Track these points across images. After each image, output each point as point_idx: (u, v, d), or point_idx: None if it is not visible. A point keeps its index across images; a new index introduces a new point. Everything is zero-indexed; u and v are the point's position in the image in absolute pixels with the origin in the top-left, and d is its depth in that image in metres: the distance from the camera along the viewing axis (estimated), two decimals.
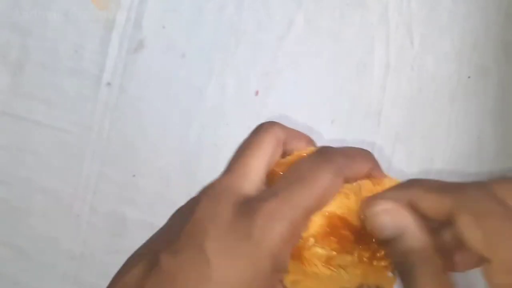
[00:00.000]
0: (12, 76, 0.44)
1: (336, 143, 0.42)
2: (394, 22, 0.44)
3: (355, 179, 0.22)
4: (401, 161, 0.42)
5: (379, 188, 0.22)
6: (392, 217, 0.21)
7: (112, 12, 0.44)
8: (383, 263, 0.21)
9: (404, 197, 0.21)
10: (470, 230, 0.19)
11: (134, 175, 0.42)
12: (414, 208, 0.21)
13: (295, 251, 0.21)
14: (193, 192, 0.45)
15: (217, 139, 0.42)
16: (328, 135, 0.42)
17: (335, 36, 0.44)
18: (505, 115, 0.42)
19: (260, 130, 0.24)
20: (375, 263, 0.21)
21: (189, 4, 0.44)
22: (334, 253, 0.21)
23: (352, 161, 0.22)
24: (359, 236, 0.21)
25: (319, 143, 0.42)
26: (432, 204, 0.21)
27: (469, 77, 0.43)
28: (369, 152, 0.24)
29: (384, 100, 0.43)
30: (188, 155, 0.43)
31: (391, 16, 0.44)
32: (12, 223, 0.42)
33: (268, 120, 0.24)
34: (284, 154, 0.24)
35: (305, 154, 0.23)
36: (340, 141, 0.42)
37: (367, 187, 0.22)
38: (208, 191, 0.22)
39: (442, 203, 0.21)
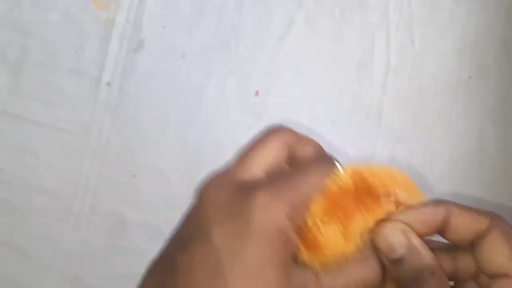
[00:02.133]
0: (12, 76, 0.44)
1: (336, 143, 0.42)
2: (394, 22, 0.44)
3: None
4: (401, 161, 0.42)
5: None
6: (406, 237, 0.22)
7: (112, 12, 0.44)
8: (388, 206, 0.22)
9: (439, 213, 0.22)
10: (500, 246, 0.20)
11: (134, 175, 0.42)
12: (443, 226, 0.22)
13: (309, 241, 0.21)
14: (193, 192, 0.45)
15: (217, 139, 0.42)
16: (328, 135, 0.42)
17: (335, 36, 0.44)
18: (505, 115, 0.42)
19: (270, 131, 0.24)
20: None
21: (189, 4, 0.44)
22: (344, 224, 0.21)
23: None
24: (358, 200, 0.22)
25: (320, 143, 0.42)
26: (468, 221, 0.22)
27: (469, 77, 0.43)
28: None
29: (385, 100, 0.43)
30: (188, 155, 0.43)
31: (391, 16, 0.44)
32: (12, 223, 0.42)
33: (278, 123, 0.25)
34: (292, 159, 0.24)
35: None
36: (340, 141, 0.42)
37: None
38: (212, 181, 0.22)
39: (479, 221, 0.22)
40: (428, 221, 0.22)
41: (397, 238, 0.21)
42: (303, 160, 0.23)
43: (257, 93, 0.43)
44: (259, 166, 0.22)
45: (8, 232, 0.43)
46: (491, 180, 0.41)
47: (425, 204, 0.23)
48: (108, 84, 0.44)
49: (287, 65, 0.43)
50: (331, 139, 0.42)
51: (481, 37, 0.43)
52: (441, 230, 0.22)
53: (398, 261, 0.21)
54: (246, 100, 0.43)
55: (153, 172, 0.42)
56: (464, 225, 0.22)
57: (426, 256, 0.21)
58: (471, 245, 0.22)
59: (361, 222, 0.22)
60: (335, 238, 0.21)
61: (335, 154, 0.43)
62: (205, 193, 0.21)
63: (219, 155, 0.42)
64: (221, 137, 0.42)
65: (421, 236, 0.22)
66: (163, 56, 0.44)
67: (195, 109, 0.43)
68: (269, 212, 0.19)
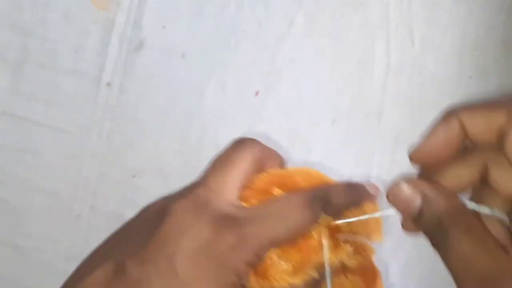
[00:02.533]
0: (12, 76, 0.44)
1: (336, 143, 0.42)
2: (394, 22, 0.44)
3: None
4: (401, 161, 0.42)
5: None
6: (414, 188, 0.21)
7: (112, 12, 0.44)
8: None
9: (453, 128, 0.21)
10: None
11: (134, 175, 0.42)
12: (463, 131, 0.21)
13: (260, 270, 0.21)
14: None
15: (217, 139, 0.42)
16: (328, 135, 0.42)
17: (335, 36, 0.44)
18: None
19: (239, 146, 0.24)
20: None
21: (189, 4, 0.44)
22: (297, 264, 0.21)
23: (334, 207, 0.23)
24: (318, 246, 0.22)
25: (320, 143, 0.42)
26: (482, 121, 0.21)
27: (469, 77, 0.43)
28: (358, 187, 0.25)
29: (385, 100, 0.43)
30: (188, 155, 0.43)
31: (391, 16, 0.44)
32: (12, 223, 0.42)
33: (246, 136, 0.25)
34: (258, 171, 0.24)
35: (276, 176, 0.24)
36: (340, 141, 0.42)
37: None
38: (181, 203, 0.22)
39: (495, 117, 0.20)
40: (448, 140, 0.21)
41: (411, 191, 0.21)
42: (286, 200, 0.22)
43: (257, 93, 0.43)
44: (233, 188, 0.22)
45: (8, 232, 0.43)
46: None
47: (437, 127, 0.23)
48: (108, 84, 0.44)
49: (287, 65, 0.43)
50: (331, 139, 0.42)
51: (481, 37, 0.43)
52: (463, 140, 0.21)
53: (419, 216, 0.21)
54: (246, 100, 0.43)
55: (153, 172, 0.42)
56: (480, 128, 0.21)
57: (440, 202, 0.20)
58: (500, 146, 0.20)
59: (314, 262, 0.22)
60: (285, 273, 0.21)
61: (334, 154, 0.43)
62: (177, 216, 0.21)
63: None
64: (221, 137, 0.42)
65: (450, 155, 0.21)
66: (163, 56, 0.44)
67: (195, 109, 0.43)
68: (234, 256, 0.19)
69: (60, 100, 0.43)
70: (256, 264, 0.21)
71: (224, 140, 0.42)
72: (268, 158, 0.25)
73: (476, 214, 0.21)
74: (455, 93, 0.43)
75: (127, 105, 0.43)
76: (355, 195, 0.24)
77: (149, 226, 0.22)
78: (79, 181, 0.43)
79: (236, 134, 0.42)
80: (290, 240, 0.22)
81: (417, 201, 0.21)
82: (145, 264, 0.20)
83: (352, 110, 0.43)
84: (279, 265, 0.21)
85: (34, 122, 0.43)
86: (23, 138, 0.43)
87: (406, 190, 0.21)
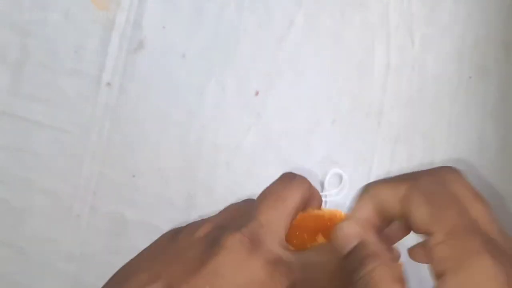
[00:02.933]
0: (12, 76, 0.44)
1: (336, 143, 0.42)
2: (394, 22, 0.44)
3: None
4: (401, 161, 0.42)
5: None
6: (352, 230, 0.23)
7: (112, 12, 0.44)
8: None
9: (367, 204, 0.23)
10: (420, 207, 0.21)
11: (134, 175, 0.42)
12: (379, 210, 0.23)
13: None
14: (193, 192, 0.45)
15: (217, 139, 0.42)
16: (328, 135, 0.42)
17: (335, 36, 0.44)
18: (506, 115, 0.42)
19: (292, 184, 0.24)
20: None
21: (189, 4, 0.44)
22: None
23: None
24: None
25: (320, 143, 0.42)
26: (389, 192, 0.22)
27: (470, 77, 0.43)
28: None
29: (385, 100, 0.43)
30: (188, 155, 0.43)
31: (391, 16, 0.44)
32: (12, 223, 0.42)
33: (296, 173, 0.26)
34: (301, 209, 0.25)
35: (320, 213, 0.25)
36: (340, 141, 0.42)
37: None
38: (235, 237, 0.22)
39: (398, 189, 0.22)
40: (366, 215, 0.23)
41: (351, 231, 0.22)
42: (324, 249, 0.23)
43: (257, 93, 0.43)
44: (282, 227, 0.23)
45: (8, 232, 0.43)
46: (491, 180, 0.41)
47: (358, 201, 0.24)
48: (108, 84, 0.44)
49: (287, 65, 0.43)
50: (331, 139, 0.42)
51: (481, 37, 0.43)
52: (378, 214, 0.23)
53: (349, 253, 0.22)
54: (246, 100, 0.43)
55: (153, 172, 0.42)
56: (388, 198, 0.22)
57: (370, 244, 0.22)
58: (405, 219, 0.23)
59: None
60: None
61: (334, 154, 0.43)
62: (229, 249, 0.21)
63: (219, 155, 0.42)
64: (221, 137, 0.42)
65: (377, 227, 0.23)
66: (163, 56, 0.44)
67: (195, 109, 0.43)
68: None
69: (60, 100, 0.43)
70: None
71: (224, 140, 0.42)
72: (312, 199, 0.26)
73: None
74: (455, 93, 0.43)
75: (127, 105, 0.43)
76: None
77: (201, 253, 0.22)
78: (79, 181, 0.43)
79: (236, 134, 0.43)
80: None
81: (353, 242, 0.22)
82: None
83: (352, 110, 0.43)
84: None
85: (34, 122, 0.43)
86: (23, 138, 0.43)
87: (345, 231, 0.23)
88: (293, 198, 0.24)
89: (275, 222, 0.23)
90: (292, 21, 0.44)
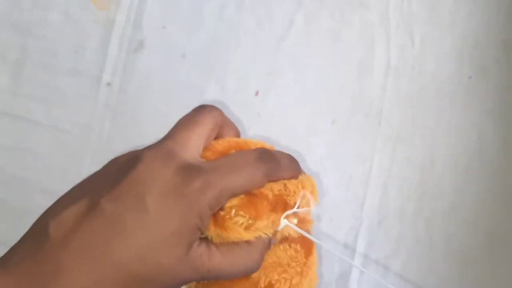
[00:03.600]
0: (12, 76, 0.44)
1: (336, 143, 0.42)
2: (394, 22, 0.44)
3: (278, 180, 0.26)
4: (402, 161, 0.42)
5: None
6: None
7: (112, 12, 0.44)
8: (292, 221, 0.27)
9: None
10: None
11: None
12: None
13: (219, 220, 0.24)
14: None
15: None
16: (328, 134, 0.42)
17: (335, 36, 0.44)
18: (505, 115, 0.42)
19: (203, 110, 0.27)
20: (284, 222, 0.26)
21: (189, 4, 0.44)
22: (251, 220, 0.25)
23: (281, 168, 0.25)
24: (274, 206, 0.25)
25: (320, 143, 0.42)
26: None
27: (469, 77, 0.43)
28: (296, 161, 0.27)
29: (385, 100, 0.43)
30: None
31: (391, 16, 0.44)
32: (12, 223, 0.42)
33: (211, 104, 0.28)
34: (216, 137, 0.28)
35: (236, 141, 0.27)
36: (340, 141, 0.42)
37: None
38: (151, 151, 0.24)
39: None
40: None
41: None
42: (244, 157, 0.25)
43: (257, 93, 0.43)
44: (196, 146, 0.25)
45: (8, 232, 0.42)
46: (491, 180, 0.41)
47: None
48: (108, 84, 0.44)
49: (287, 65, 0.43)
50: (331, 138, 0.42)
51: (481, 37, 0.43)
52: None
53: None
54: (246, 100, 0.43)
55: None
56: None
57: None
58: None
59: (266, 222, 0.25)
60: (239, 228, 0.25)
61: (334, 154, 0.43)
62: (147, 162, 0.23)
63: None
64: None
65: None
66: (163, 56, 0.44)
67: None
68: (198, 199, 0.22)
69: (60, 100, 0.43)
70: (217, 213, 0.24)
71: None
72: (226, 126, 0.28)
73: None
74: (455, 93, 0.43)
75: (127, 105, 0.43)
76: (297, 165, 0.27)
77: (121, 170, 0.24)
78: (79, 181, 0.43)
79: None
80: (247, 191, 0.25)
81: None
82: (118, 201, 0.22)
83: (352, 110, 0.43)
84: (235, 218, 0.24)
85: (34, 122, 0.43)
86: (23, 138, 0.43)
87: None
88: (206, 121, 0.26)
89: (189, 140, 0.25)
90: (292, 21, 0.44)
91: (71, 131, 0.43)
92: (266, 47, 0.43)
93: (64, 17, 0.44)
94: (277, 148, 0.27)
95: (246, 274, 0.25)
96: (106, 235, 0.21)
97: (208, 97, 0.43)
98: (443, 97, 0.43)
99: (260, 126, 0.43)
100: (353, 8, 0.44)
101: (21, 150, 0.43)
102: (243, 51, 0.43)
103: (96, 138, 0.43)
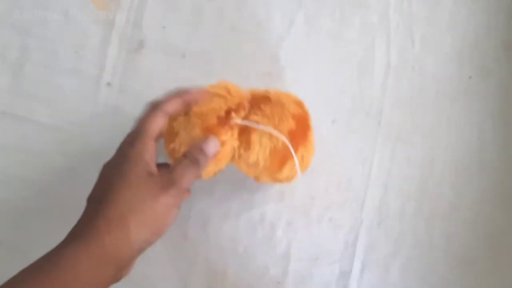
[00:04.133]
0: (12, 76, 0.44)
1: (336, 142, 0.42)
2: (394, 22, 0.44)
3: None
4: (402, 161, 0.42)
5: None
6: None
7: (112, 12, 0.44)
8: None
9: None
10: None
11: None
12: None
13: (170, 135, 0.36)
14: (193, 191, 0.45)
15: None
16: (328, 134, 0.42)
17: (335, 36, 0.44)
18: (506, 115, 0.42)
19: (149, 111, 0.35)
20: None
21: (189, 4, 0.44)
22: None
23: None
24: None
25: (320, 143, 0.42)
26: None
27: (470, 77, 0.43)
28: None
29: (385, 100, 0.43)
30: None
31: (391, 16, 0.44)
32: (12, 223, 0.42)
33: (152, 101, 0.36)
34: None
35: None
36: (340, 140, 0.42)
37: None
38: (124, 157, 0.34)
39: None
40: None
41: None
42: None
43: None
44: (151, 145, 0.34)
45: (8, 232, 0.43)
46: (491, 180, 0.41)
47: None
48: (108, 84, 0.44)
49: (287, 65, 0.43)
50: (331, 138, 0.42)
51: (481, 37, 0.43)
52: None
53: None
54: None
55: None
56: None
57: None
58: None
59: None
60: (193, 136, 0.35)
61: (335, 154, 0.43)
62: (123, 169, 0.34)
63: None
64: None
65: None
66: (163, 56, 0.44)
67: None
68: (181, 180, 0.33)
69: (60, 100, 0.43)
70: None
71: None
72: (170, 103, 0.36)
73: None
74: (455, 93, 0.43)
75: (127, 105, 0.43)
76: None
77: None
78: (79, 181, 0.43)
79: None
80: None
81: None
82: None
83: (352, 110, 0.43)
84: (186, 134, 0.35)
85: (34, 122, 0.43)
86: (23, 138, 0.43)
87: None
88: (150, 132, 0.34)
89: (146, 144, 0.34)
90: (292, 21, 0.44)
91: (71, 131, 0.43)
92: (266, 47, 0.43)
93: (64, 17, 0.44)
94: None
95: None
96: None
97: None
98: (443, 97, 0.43)
99: None
100: (353, 8, 0.44)
101: (21, 150, 0.43)
102: (243, 51, 0.43)
103: (96, 138, 0.43)
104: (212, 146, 0.34)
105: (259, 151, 0.36)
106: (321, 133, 0.42)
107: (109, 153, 0.43)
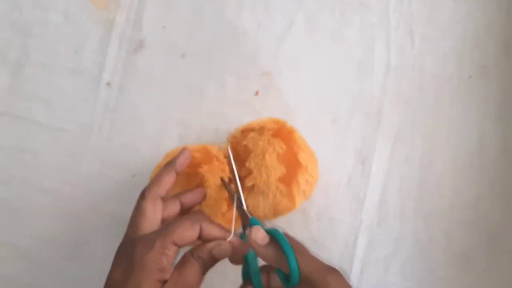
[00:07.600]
0: (12, 76, 0.44)
1: (336, 142, 0.42)
2: (394, 22, 0.44)
3: None
4: (401, 161, 0.42)
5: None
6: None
7: (112, 12, 0.44)
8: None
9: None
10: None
11: (134, 175, 0.42)
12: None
13: None
14: None
15: (217, 139, 0.42)
16: (328, 134, 0.42)
17: (335, 36, 0.44)
18: (506, 115, 0.42)
19: (141, 198, 0.34)
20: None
21: (189, 4, 0.44)
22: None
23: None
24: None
25: (320, 143, 0.42)
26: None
27: (470, 77, 0.43)
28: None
29: (385, 99, 0.43)
30: None
31: (391, 16, 0.44)
32: (12, 223, 0.43)
33: (143, 189, 0.34)
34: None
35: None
36: (340, 140, 0.42)
37: None
38: (140, 260, 0.32)
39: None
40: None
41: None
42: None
43: (257, 93, 0.43)
44: (150, 226, 0.33)
45: (8, 232, 0.43)
46: (491, 180, 0.41)
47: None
48: (108, 84, 0.44)
49: (287, 65, 0.43)
50: (331, 138, 0.42)
51: (481, 37, 0.43)
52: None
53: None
54: (246, 100, 0.43)
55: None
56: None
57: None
58: None
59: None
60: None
61: (334, 154, 0.43)
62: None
63: None
64: (220, 137, 0.42)
65: None
66: (163, 56, 0.44)
67: (195, 109, 0.43)
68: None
69: (60, 100, 0.43)
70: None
71: (224, 140, 0.42)
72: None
73: None
74: (455, 93, 0.43)
75: (127, 105, 0.43)
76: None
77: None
78: (79, 181, 0.43)
79: None
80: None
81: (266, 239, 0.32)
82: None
83: (352, 110, 0.43)
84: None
85: (34, 122, 0.43)
86: (23, 138, 0.43)
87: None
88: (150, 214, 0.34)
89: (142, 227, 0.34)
90: (292, 21, 0.44)
91: (71, 131, 0.43)
92: (266, 47, 0.43)
93: (64, 17, 0.44)
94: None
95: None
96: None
97: (208, 97, 0.43)
98: (443, 97, 0.43)
99: None
100: (353, 8, 0.44)
101: (21, 150, 0.43)
102: (243, 51, 0.43)
103: (96, 138, 0.43)
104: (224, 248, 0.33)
105: (264, 208, 0.38)
106: (321, 133, 0.42)
107: (109, 153, 0.43)
